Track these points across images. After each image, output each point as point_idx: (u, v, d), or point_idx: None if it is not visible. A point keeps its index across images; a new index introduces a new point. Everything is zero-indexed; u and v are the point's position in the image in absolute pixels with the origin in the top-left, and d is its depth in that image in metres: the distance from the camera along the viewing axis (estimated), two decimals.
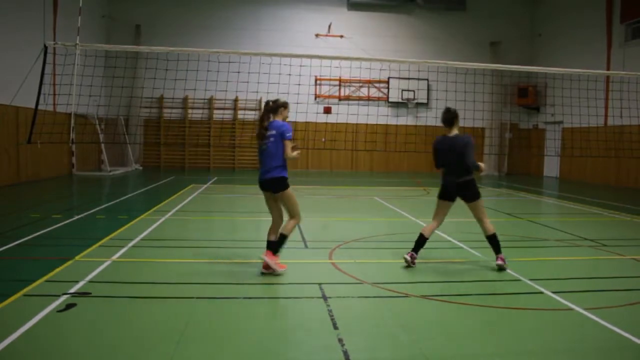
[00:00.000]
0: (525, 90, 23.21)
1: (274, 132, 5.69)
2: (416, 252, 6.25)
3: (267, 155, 5.71)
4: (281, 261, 5.86)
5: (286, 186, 5.72)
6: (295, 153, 5.71)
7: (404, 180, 19.33)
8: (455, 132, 6.25)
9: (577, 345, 4.13)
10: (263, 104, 5.98)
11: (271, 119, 5.80)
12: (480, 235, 7.88)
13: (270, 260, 5.70)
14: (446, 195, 6.27)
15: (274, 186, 5.72)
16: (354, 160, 23.92)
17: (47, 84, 9.09)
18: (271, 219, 5.96)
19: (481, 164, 6.20)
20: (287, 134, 5.66)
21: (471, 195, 6.16)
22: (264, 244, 7.61)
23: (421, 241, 6.29)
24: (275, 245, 5.77)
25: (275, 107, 5.83)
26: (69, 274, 5.64)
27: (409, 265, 6.17)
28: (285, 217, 5.91)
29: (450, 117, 6.25)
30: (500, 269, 6.13)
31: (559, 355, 3.94)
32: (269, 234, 5.92)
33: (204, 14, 22.59)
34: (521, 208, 12.29)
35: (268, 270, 5.74)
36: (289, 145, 5.66)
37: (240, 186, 16.10)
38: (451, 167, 6.20)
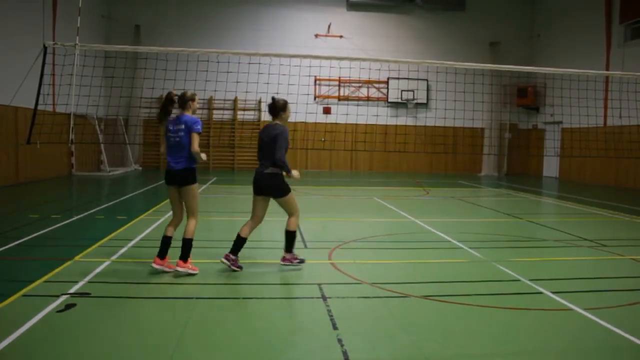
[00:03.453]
0: (524, 90, 23.23)
1: (182, 126, 5.67)
2: None
3: (179, 147, 5.68)
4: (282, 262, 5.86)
5: (194, 180, 5.72)
6: (203, 154, 5.68)
7: (403, 180, 19.33)
8: None
9: (577, 346, 4.13)
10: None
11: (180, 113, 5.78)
12: (479, 235, 7.90)
13: (183, 268, 5.73)
14: None
15: (181, 178, 5.69)
16: (354, 161, 23.93)
17: (46, 84, 9.08)
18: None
19: None
20: (196, 127, 5.65)
21: None
22: (264, 244, 7.63)
23: None
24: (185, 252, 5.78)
25: (183, 101, 5.79)
26: (68, 274, 5.64)
27: None
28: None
29: None
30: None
31: (558, 355, 3.94)
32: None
33: (203, 14, 22.60)
34: (521, 208, 12.29)
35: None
36: (196, 138, 5.63)
37: (239, 186, 16.09)
38: None
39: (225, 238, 8.18)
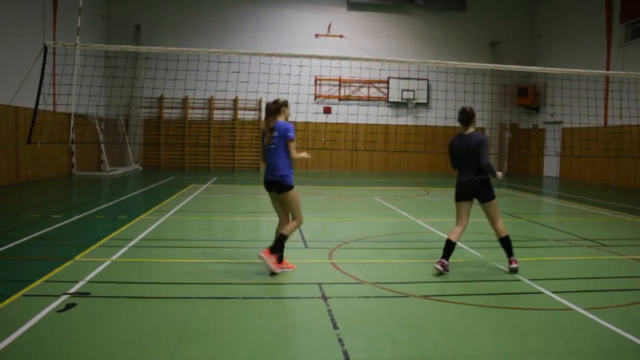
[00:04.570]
0: (525, 90, 23.23)
1: (276, 133, 5.73)
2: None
3: (274, 155, 5.75)
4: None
5: (289, 187, 5.76)
6: (303, 154, 5.83)
7: (403, 180, 19.33)
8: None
9: (577, 345, 4.13)
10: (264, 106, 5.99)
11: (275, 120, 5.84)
12: (479, 235, 7.88)
13: (268, 258, 5.72)
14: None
15: (279, 187, 5.76)
16: (354, 160, 23.93)
17: (46, 84, 9.10)
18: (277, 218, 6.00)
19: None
20: (289, 134, 5.70)
21: None
22: (264, 244, 7.62)
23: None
24: (275, 245, 5.81)
25: (277, 107, 5.84)
26: (69, 274, 5.64)
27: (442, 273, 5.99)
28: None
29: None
30: (514, 271, 6.07)
31: (559, 355, 3.94)
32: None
33: (204, 14, 22.60)
34: (521, 208, 12.29)
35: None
36: (293, 146, 5.72)
37: (240, 186, 16.11)
38: None
39: (227, 237, 8.20)
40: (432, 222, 9.56)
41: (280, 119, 5.81)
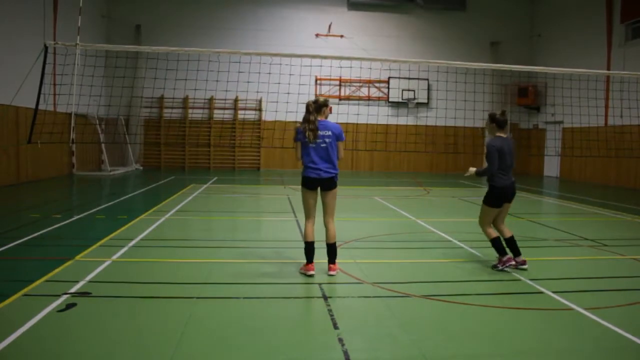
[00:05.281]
0: (525, 90, 23.22)
1: (329, 132, 5.79)
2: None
3: (328, 153, 5.80)
4: (282, 262, 5.88)
5: (336, 183, 5.96)
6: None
7: (404, 180, 19.33)
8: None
9: (577, 345, 4.13)
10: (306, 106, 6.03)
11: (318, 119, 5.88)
12: (481, 234, 7.87)
13: (335, 271, 5.88)
14: None
15: (331, 183, 5.88)
16: (354, 160, 23.93)
17: (47, 84, 9.10)
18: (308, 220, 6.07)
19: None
20: (343, 136, 5.91)
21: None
22: (263, 244, 7.63)
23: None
24: (332, 256, 5.93)
25: (318, 107, 5.89)
26: (69, 274, 5.64)
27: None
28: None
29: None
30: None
31: (559, 355, 3.94)
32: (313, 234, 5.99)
33: (203, 14, 22.60)
34: (521, 208, 12.27)
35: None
36: (343, 146, 5.95)
37: (240, 186, 16.11)
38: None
39: (227, 237, 8.20)
40: (432, 222, 9.55)
41: (321, 118, 5.87)
